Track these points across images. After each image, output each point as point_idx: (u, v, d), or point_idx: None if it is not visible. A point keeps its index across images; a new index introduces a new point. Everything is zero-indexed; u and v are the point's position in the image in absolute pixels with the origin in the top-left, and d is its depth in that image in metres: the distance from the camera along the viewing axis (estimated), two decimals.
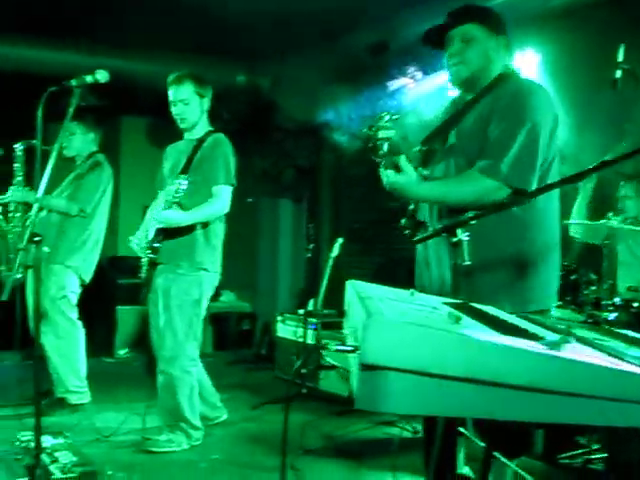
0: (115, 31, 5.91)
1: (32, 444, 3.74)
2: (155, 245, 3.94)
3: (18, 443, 3.87)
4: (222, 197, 4.02)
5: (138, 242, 4.10)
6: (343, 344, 1.51)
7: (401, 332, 1.24)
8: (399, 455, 3.88)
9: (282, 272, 8.23)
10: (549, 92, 2.73)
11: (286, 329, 5.88)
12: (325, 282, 5.69)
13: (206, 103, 4.12)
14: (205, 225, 4.03)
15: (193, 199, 3.94)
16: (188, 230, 3.96)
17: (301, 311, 5.73)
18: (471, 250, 2.29)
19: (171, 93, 4.06)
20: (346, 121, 6.40)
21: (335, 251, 5.72)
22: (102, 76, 3.36)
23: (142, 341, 7.20)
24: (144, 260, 4.05)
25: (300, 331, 5.58)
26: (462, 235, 2.33)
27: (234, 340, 7.40)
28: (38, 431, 3.24)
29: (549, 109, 2.66)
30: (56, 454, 3.62)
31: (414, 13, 5.27)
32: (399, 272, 6.73)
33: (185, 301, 3.97)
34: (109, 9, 5.60)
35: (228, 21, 5.74)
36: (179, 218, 3.89)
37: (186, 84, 4.03)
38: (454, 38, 2.78)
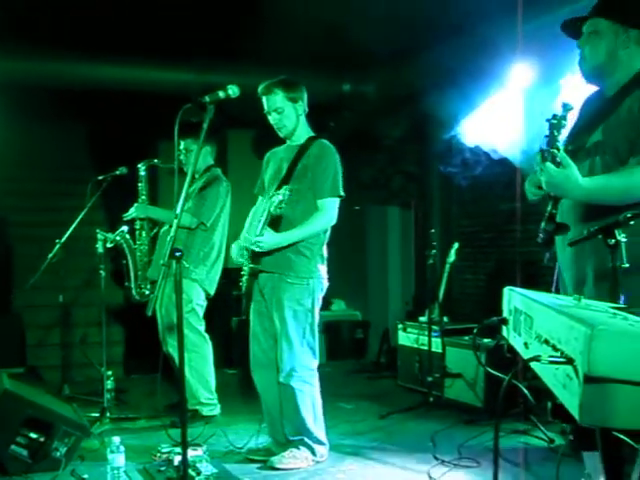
0: (220, 46, 6.03)
1: (173, 456, 3.85)
2: (257, 254, 3.83)
3: (159, 455, 3.97)
4: (328, 210, 3.88)
5: (238, 252, 4.02)
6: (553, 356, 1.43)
7: (632, 342, 1.16)
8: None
9: (392, 279, 8.17)
10: None
11: (408, 337, 5.81)
12: (443, 289, 5.61)
13: (301, 107, 3.97)
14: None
15: (296, 209, 3.85)
16: None
17: (422, 318, 5.64)
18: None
19: (264, 103, 3.95)
20: (454, 125, 6.27)
21: (452, 256, 5.62)
22: (233, 91, 3.38)
23: None
24: (245, 269, 3.94)
25: (422, 339, 5.50)
26: (620, 236, 2.24)
27: (348, 349, 7.37)
28: (184, 444, 3.27)
29: None
30: (198, 465, 3.69)
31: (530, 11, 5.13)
32: (514, 276, 6.59)
33: (298, 311, 3.89)
34: (215, 25, 5.71)
35: (332, 30, 5.74)
36: (281, 240, 3.79)
37: (276, 92, 3.91)
38: (585, 31, 2.76)
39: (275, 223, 3.82)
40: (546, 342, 1.55)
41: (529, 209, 5.40)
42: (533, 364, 1.63)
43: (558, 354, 1.41)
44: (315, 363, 4.02)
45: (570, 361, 1.29)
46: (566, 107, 2.51)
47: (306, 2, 5.18)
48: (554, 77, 5.09)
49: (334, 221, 3.93)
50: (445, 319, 5.57)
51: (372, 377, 6.54)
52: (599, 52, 2.71)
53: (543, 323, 1.62)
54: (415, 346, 5.67)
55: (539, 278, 5.98)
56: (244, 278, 3.93)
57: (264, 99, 3.96)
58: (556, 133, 2.47)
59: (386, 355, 6.94)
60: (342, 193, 3.95)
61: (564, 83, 4.93)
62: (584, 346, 1.19)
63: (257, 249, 3.76)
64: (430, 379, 5.18)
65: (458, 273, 7.13)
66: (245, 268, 3.93)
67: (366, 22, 5.54)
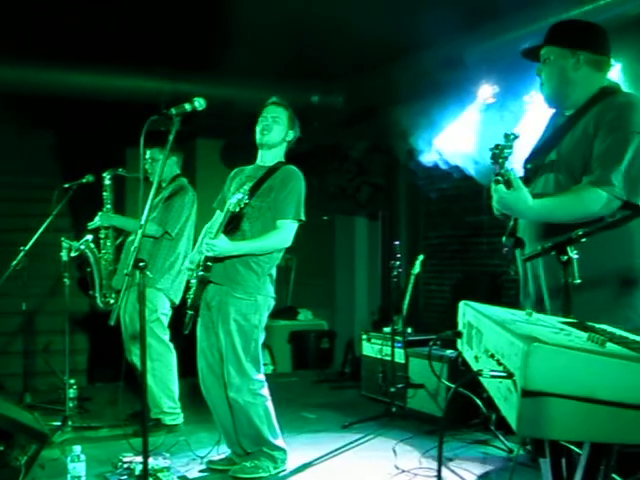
0: (189, 56, 6.05)
1: (135, 465, 3.85)
2: (208, 263, 3.82)
3: (120, 464, 3.96)
4: (286, 231, 3.91)
5: (191, 262, 4.01)
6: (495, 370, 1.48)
7: (566, 358, 1.22)
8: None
9: (359, 289, 8.23)
10: None
11: (372, 348, 5.86)
12: (407, 300, 5.67)
13: (290, 136, 4.05)
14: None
15: (254, 225, 3.88)
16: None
17: (387, 329, 5.70)
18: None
19: (266, 110, 4.02)
20: (421, 138, 6.36)
21: (416, 268, 5.69)
22: (200, 104, 3.42)
23: None
24: (193, 281, 3.93)
25: (386, 349, 5.56)
26: (572, 253, 2.31)
27: (314, 359, 7.41)
28: (146, 453, 3.28)
29: None
30: (159, 475, 3.69)
31: (489, 28, 5.23)
32: (479, 288, 6.68)
33: (244, 326, 3.86)
34: (184, 35, 5.74)
35: (301, 42, 5.80)
36: (235, 248, 3.79)
37: (284, 109, 4.03)
38: (541, 58, 2.88)
39: (232, 235, 3.83)
40: (492, 356, 1.61)
41: (495, 222, 5.48)
42: (482, 377, 1.69)
43: (501, 369, 1.47)
44: (262, 375, 4.00)
45: (510, 375, 1.35)
46: (509, 137, 2.61)
47: (275, 14, 5.23)
48: (518, 94, 5.20)
49: (289, 243, 3.95)
50: (409, 330, 5.64)
51: (336, 387, 6.58)
52: (552, 78, 2.82)
53: (490, 338, 1.68)
54: (379, 357, 5.71)
55: (504, 290, 6.08)
56: (191, 290, 3.93)
57: (271, 107, 4.03)
58: (501, 161, 2.56)
59: (350, 365, 6.99)
60: (303, 218, 3.98)
61: (528, 100, 5.05)
62: (521, 361, 1.24)
63: (209, 252, 3.75)
64: (393, 389, 5.22)
65: (424, 284, 7.22)
66: (193, 280, 3.93)
67: (335, 35, 5.61)
